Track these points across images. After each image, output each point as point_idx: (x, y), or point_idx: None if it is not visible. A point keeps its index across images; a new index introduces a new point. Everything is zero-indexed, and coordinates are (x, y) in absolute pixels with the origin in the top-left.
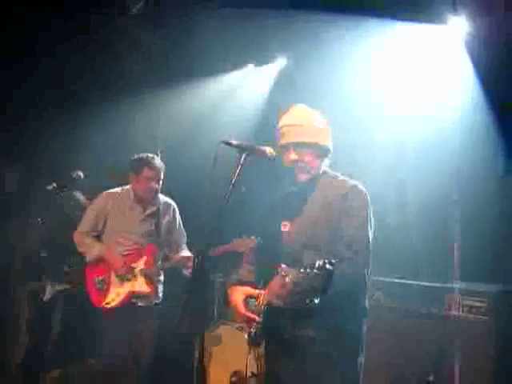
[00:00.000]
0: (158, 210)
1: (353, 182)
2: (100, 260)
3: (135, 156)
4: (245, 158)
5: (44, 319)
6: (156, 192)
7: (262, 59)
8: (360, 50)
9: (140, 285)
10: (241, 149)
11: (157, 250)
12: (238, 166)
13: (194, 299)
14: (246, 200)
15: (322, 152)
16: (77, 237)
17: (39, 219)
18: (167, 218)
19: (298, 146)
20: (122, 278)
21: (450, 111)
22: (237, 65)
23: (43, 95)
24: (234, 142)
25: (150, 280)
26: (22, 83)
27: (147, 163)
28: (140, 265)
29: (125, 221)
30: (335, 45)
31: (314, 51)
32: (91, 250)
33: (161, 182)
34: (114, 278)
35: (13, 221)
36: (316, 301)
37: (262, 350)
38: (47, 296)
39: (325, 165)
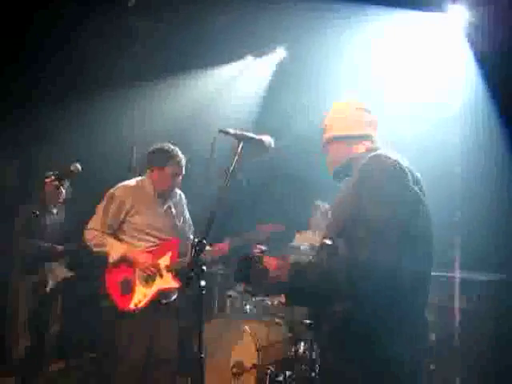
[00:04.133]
0: (175, 202)
1: (381, 152)
2: (122, 260)
3: (157, 147)
4: (242, 147)
5: (45, 311)
6: (177, 187)
7: (261, 50)
8: (359, 38)
9: (168, 281)
10: (238, 137)
11: (179, 244)
12: (234, 155)
13: (191, 289)
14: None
15: (345, 141)
16: (90, 235)
17: (34, 212)
18: (179, 208)
19: (324, 145)
20: (148, 277)
21: (450, 99)
22: (236, 56)
23: (42, 88)
24: (231, 131)
25: (177, 275)
26: (20, 76)
27: (172, 158)
28: (166, 260)
29: (147, 217)
30: (334, 34)
31: (313, 41)
32: (115, 250)
33: (181, 178)
34: (138, 278)
35: (13, 214)
36: None
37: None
38: (50, 286)
39: (362, 149)
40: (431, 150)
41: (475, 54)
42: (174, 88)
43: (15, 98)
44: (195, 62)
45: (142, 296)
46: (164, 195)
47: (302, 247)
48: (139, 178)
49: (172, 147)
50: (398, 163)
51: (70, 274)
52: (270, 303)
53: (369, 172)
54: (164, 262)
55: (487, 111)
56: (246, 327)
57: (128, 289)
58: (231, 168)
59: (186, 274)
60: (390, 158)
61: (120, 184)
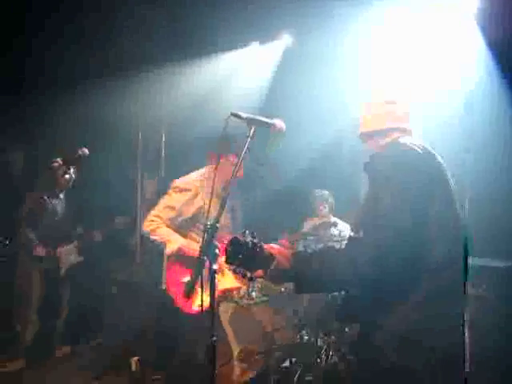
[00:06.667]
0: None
1: (398, 141)
2: (182, 257)
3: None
4: (254, 131)
5: (55, 298)
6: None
7: (267, 36)
8: (367, 23)
9: (231, 281)
10: (250, 121)
11: None
12: (246, 139)
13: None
14: None
15: (385, 133)
16: (148, 226)
17: (42, 197)
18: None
19: (362, 136)
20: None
21: (461, 86)
22: (242, 42)
23: (47, 75)
24: (244, 115)
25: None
26: (25, 64)
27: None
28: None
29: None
30: (341, 20)
31: (319, 27)
32: (173, 241)
33: None
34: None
35: (20, 201)
36: None
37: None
38: (61, 272)
39: (388, 141)
40: (442, 138)
41: (487, 41)
42: (179, 75)
43: (20, 85)
44: (201, 48)
45: (206, 295)
46: (225, 187)
47: (308, 237)
48: (202, 170)
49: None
50: (416, 150)
51: (79, 259)
52: (276, 289)
53: (384, 161)
54: (222, 259)
55: (499, 99)
56: (253, 313)
57: (192, 288)
58: (243, 152)
59: (199, 257)
60: (406, 145)
61: (187, 176)
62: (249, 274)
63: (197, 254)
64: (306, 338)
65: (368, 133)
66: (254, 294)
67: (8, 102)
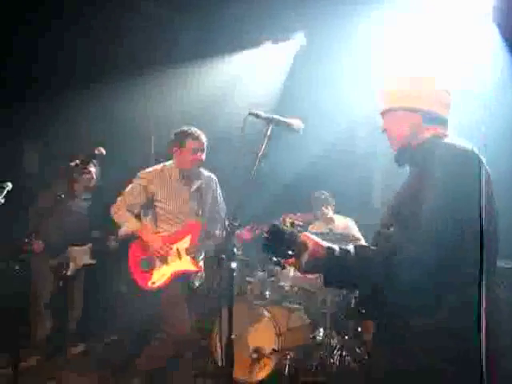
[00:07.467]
0: (202, 184)
1: (454, 142)
2: (138, 238)
3: (177, 130)
4: (272, 131)
5: (67, 294)
6: (200, 164)
7: (279, 36)
8: (380, 22)
9: (186, 264)
10: (268, 120)
11: (201, 228)
12: (264, 138)
13: (220, 265)
14: None
15: (417, 118)
16: (113, 209)
17: (59, 195)
18: (210, 193)
19: (385, 113)
20: (164, 259)
21: (477, 86)
22: (255, 42)
23: (62, 74)
24: (262, 114)
25: (196, 259)
26: (40, 62)
27: (190, 134)
28: (186, 243)
29: (172, 200)
30: (353, 19)
31: (331, 25)
32: (125, 224)
33: (204, 155)
34: (157, 259)
35: (35, 199)
36: None
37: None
38: (72, 270)
39: (431, 134)
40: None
41: (504, 39)
42: (192, 75)
43: (35, 84)
44: (214, 48)
45: (160, 275)
46: (189, 176)
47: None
48: (166, 163)
49: (190, 127)
50: (471, 157)
51: (90, 261)
52: (289, 289)
53: (439, 162)
54: (184, 244)
55: None
56: (266, 313)
57: (148, 268)
58: (261, 151)
59: (218, 255)
60: (465, 150)
61: (147, 169)
62: (282, 262)
63: (147, 236)
64: (320, 338)
65: (414, 109)
66: (267, 293)
67: (24, 102)
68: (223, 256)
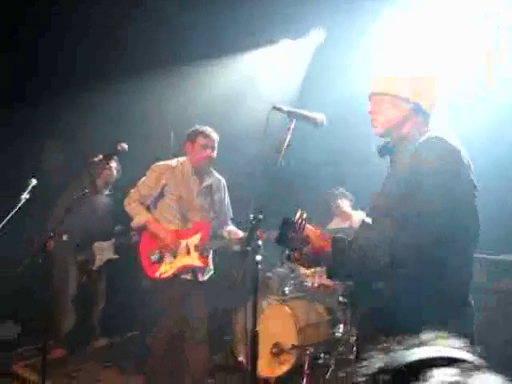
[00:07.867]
0: (212, 184)
1: (441, 136)
2: (149, 230)
3: (190, 129)
4: (295, 125)
5: (90, 289)
6: (211, 160)
7: (298, 32)
8: (397, 20)
9: (193, 259)
10: (291, 114)
11: (210, 226)
12: (287, 132)
13: (246, 263)
14: None
15: (405, 106)
16: (126, 201)
17: (82, 190)
18: (218, 194)
19: (373, 95)
20: (174, 254)
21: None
22: (272, 39)
23: (83, 71)
24: (285, 108)
25: (204, 255)
26: (62, 59)
27: (202, 132)
28: (195, 240)
29: (183, 194)
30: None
31: (349, 22)
32: (137, 216)
33: (215, 152)
34: (167, 252)
35: (60, 195)
36: None
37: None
38: (97, 265)
39: (414, 126)
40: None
41: None
42: (211, 73)
43: (58, 81)
44: (233, 45)
45: (168, 267)
46: (200, 173)
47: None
48: (180, 159)
49: (202, 126)
50: (458, 150)
51: (114, 256)
52: (309, 285)
53: (427, 155)
54: (194, 241)
55: None
56: (286, 308)
57: (157, 260)
58: (285, 145)
59: (243, 248)
60: (449, 144)
61: (160, 162)
62: (292, 255)
63: (158, 230)
64: (339, 334)
65: (403, 99)
66: (287, 289)
67: (46, 98)
68: (248, 248)
